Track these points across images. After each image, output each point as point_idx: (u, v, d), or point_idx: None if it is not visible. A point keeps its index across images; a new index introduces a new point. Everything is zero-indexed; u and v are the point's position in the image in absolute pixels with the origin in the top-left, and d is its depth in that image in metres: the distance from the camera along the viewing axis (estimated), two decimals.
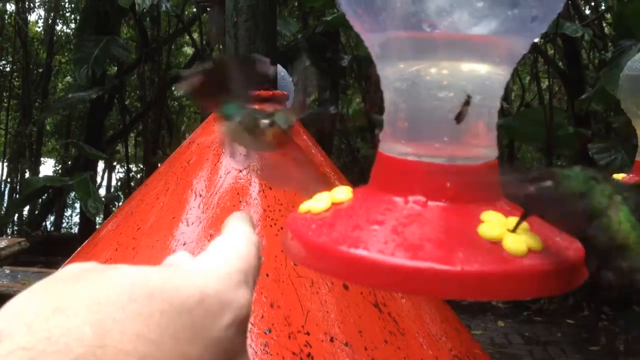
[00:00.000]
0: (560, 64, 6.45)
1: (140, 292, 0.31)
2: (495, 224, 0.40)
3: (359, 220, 0.42)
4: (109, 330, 0.29)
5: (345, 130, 7.94)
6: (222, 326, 0.34)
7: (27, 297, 0.30)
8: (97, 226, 6.28)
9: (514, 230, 0.39)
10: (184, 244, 1.13)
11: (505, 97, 8.12)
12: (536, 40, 0.47)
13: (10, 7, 8.74)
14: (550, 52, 6.40)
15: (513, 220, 0.40)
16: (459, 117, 0.43)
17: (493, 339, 4.90)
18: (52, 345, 0.28)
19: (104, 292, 0.30)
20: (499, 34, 0.42)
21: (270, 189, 1.23)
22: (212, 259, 0.38)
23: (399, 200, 0.43)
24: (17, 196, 8.08)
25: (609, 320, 5.27)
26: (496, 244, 0.38)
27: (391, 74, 0.46)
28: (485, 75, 0.44)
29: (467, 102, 0.43)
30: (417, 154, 0.44)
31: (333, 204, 0.46)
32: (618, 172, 1.37)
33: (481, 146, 0.44)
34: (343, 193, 0.46)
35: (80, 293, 0.30)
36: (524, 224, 0.40)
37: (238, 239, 0.42)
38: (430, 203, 0.42)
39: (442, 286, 0.37)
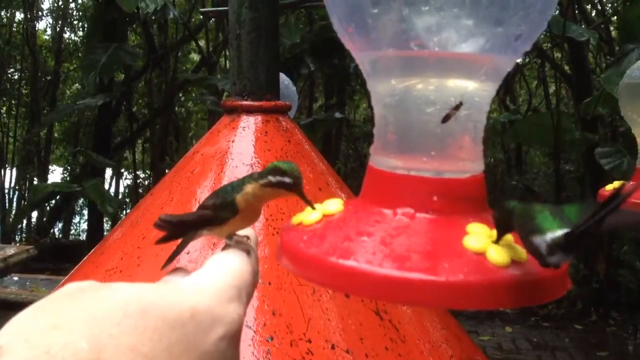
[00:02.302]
0: (567, 68, 6.45)
1: (134, 308, 0.33)
2: (479, 236, 0.41)
3: (349, 232, 0.43)
4: (104, 344, 0.31)
5: (353, 136, 7.95)
6: (214, 340, 0.36)
7: (27, 315, 0.32)
8: (105, 233, 6.30)
9: (496, 242, 0.41)
10: (188, 253, 1.14)
11: (513, 100, 8.12)
12: (525, 53, 0.48)
13: (19, 15, 8.81)
14: (557, 55, 6.39)
15: None
16: (446, 119, 0.44)
17: (501, 345, 4.89)
18: (50, 359, 0.29)
19: (100, 309, 0.32)
20: (485, 52, 0.44)
21: None
22: (205, 275, 0.40)
23: (388, 212, 0.44)
24: (25, 203, 8.11)
25: (617, 325, 5.24)
26: (480, 255, 0.40)
27: (381, 90, 0.48)
28: (471, 91, 0.45)
29: (457, 107, 0.44)
30: (406, 168, 0.45)
31: (324, 215, 0.47)
32: (623, 177, 1.38)
33: (467, 160, 0.46)
34: (334, 205, 0.48)
35: (76, 310, 0.32)
36: (509, 236, 0.42)
37: (233, 256, 0.43)
38: (418, 215, 0.43)
39: (428, 296, 0.39)
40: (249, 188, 0.48)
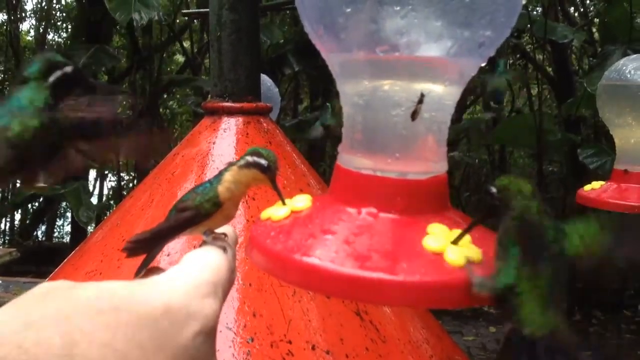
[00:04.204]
0: (549, 70, 6.50)
1: (106, 305, 0.33)
2: (439, 236, 0.42)
3: (314, 230, 0.44)
4: (77, 340, 0.31)
5: (337, 137, 7.94)
6: (188, 335, 0.36)
7: (1, 314, 0.32)
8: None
9: (455, 243, 0.41)
10: (168, 255, 1.14)
11: (498, 101, 8.16)
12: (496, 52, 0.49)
13: (2, 17, 8.73)
14: (540, 56, 6.43)
15: (457, 232, 0.43)
16: (414, 115, 0.45)
17: (485, 345, 4.91)
18: (22, 355, 0.30)
19: (72, 307, 0.33)
20: (450, 56, 0.44)
21: (254, 199, 1.24)
22: (181, 272, 0.40)
23: (352, 211, 0.45)
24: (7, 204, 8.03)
25: (600, 324, 5.28)
26: (438, 255, 0.40)
27: (349, 91, 0.49)
28: (436, 94, 0.46)
29: (420, 101, 0.45)
30: (372, 168, 0.46)
31: (292, 212, 0.48)
32: (603, 178, 1.39)
33: (431, 161, 0.46)
34: (303, 202, 0.48)
35: (49, 308, 0.33)
36: (467, 237, 0.42)
37: (209, 253, 0.43)
38: (381, 215, 0.44)
39: (386, 295, 0.40)
40: (228, 175, 0.49)
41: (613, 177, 1.37)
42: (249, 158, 0.49)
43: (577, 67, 6.56)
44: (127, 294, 0.35)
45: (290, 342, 1.08)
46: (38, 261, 6.01)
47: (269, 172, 0.49)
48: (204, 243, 0.47)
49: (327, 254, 0.41)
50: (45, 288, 0.35)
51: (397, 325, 1.23)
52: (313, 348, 1.09)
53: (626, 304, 5.52)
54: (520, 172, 7.92)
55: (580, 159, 4.57)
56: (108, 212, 8.19)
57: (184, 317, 0.36)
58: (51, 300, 0.33)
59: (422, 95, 0.44)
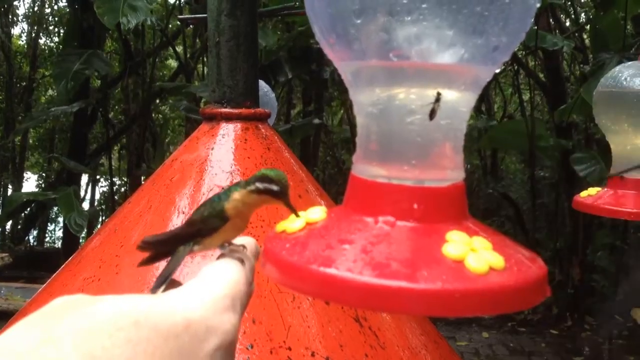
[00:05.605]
0: (541, 76, 6.53)
1: (126, 320, 0.33)
2: (458, 244, 0.41)
3: (330, 240, 0.44)
4: (97, 357, 0.30)
5: (331, 142, 7.97)
6: (209, 351, 0.36)
7: (17, 331, 0.32)
8: (81, 240, 6.22)
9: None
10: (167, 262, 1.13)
11: (489, 107, 8.20)
12: (502, 62, 0.49)
13: None
14: (532, 63, 6.47)
15: (477, 239, 0.42)
16: (432, 114, 0.45)
17: (478, 350, 4.92)
18: None
19: (91, 322, 0.32)
20: (464, 62, 0.44)
21: None
22: (199, 285, 0.40)
23: (369, 220, 0.45)
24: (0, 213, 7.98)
25: (592, 330, 5.31)
26: (459, 262, 0.40)
27: (362, 99, 0.48)
28: (451, 100, 0.46)
29: (437, 100, 0.45)
30: (387, 176, 0.46)
31: (307, 223, 0.47)
32: (597, 184, 1.40)
33: (448, 168, 0.46)
34: (317, 213, 0.48)
35: (67, 324, 0.32)
36: (488, 243, 0.42)
37: (227, 266, 0.43)
38: (398, 223, 0.44)
39: (407, 303, 0.39)
40: (237, 195, 0.49)
41: (609, 183, 1.38)
42: (259, 185, 0.49)
43: (569, 74, 6.60)
44: (147, 309, 0.34)
45: (289, 349, 1.08)
46: (30, 266, 5.98)
47: (281, 195, 0.49)
48: (221, 255, 0.47)
49: (344, 264, 0.40)
50: (63, 302, 0.34)
51: (396, 331, 1.23)
52: (313, 354, 1.08)
53: (618, 309, 5.55)
54: (512, 177, 7.95)
55: (572, 166, 4.59)
56: (101, 218, 8.17)
57: (204, 332, 0.36)
58: (69, 315, 0.32)
59: (439, 94, 0.44)
